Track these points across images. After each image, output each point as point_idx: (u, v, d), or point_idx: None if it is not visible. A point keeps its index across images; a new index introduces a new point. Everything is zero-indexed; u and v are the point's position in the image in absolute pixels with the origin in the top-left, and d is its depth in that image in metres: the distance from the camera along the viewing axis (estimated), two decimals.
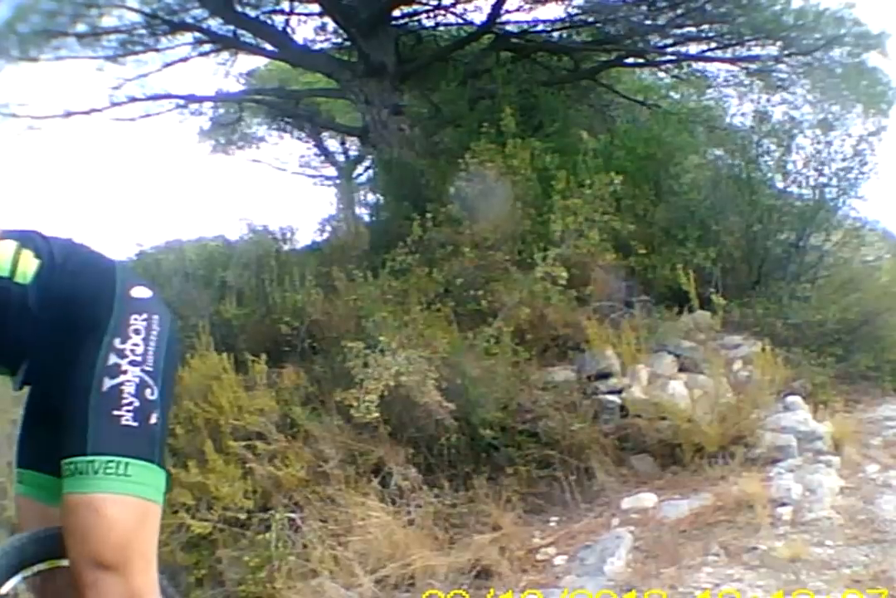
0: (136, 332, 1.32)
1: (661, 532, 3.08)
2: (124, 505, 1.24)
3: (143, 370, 1.30)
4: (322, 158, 10.81)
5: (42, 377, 1.38)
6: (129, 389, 1.28)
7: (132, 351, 1.30)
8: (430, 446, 3.59)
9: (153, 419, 1.29)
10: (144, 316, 1.34)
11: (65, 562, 1.34)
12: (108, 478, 1.23)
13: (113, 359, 1.28)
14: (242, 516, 3.27)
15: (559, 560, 3.09)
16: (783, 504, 3.09)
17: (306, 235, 6.43)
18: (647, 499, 3.38)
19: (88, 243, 1.47)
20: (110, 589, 1.21)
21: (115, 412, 1.26)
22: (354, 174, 10.10)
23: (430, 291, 4.13)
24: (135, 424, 1.27)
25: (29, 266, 1.32)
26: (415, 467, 3.49)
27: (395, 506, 3.31)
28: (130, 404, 1.27)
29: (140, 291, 1.38)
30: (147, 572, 1.28)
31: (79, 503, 1.23)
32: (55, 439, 1.31)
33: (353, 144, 9.92)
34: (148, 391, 1.29)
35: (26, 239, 1.36)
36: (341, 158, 10.75)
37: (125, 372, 1.28)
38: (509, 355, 3.80)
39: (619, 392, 3.90)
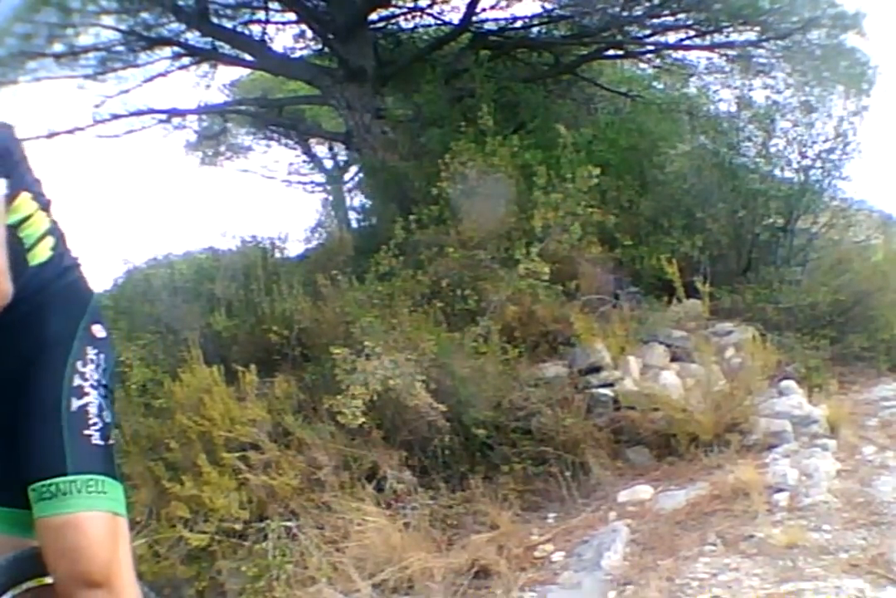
0: (92, 361, 1.39)
1: (657, 524, 3.07)
2: (105, 522, 1.27)
3: (100, 394, 1.36)
4: (311, 164, 10.82)
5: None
6: (93, 409, 1.33)
7: (91, 376, 1.36)
8: (423, 448, 3.59)
9: (111, 439, 1.35)
10: (97, 351, 1.41)
11: (49, 580, 1.35)
12: (90, 496, 1.26)
13: (77, 380, 1.34)
14: (239, 526, 3.27)
15: (557, 557, 3.08)
16: (779, 490, 3.07)
17: (297, 243, 6.45)
18: (644, 491, 3.37)
19: (85, 268, 1.54)
20: None
21: (86, 432, 1.31)
22: (343, 179, 10.11)
23: (417, 293, 4.12)
24: (101, 442, 1.32)
25: (43, 253, 1.40)
26: (409, 469, 3.49)
27: (390, 510, 3.31)
28: (96, 424, 1.32)
29: (98, 330, 1.45)
30: (133, 584, 1.33)
31: (63, 523, 1.24)
32: (12, 466, 1.30)
33: (341, 150, 9.92)
34: (106, 413, 1.35)
35: (55, 228, 1.45)
36: (330, 164, 10.76)
37: (88, 394, 1.34)
38: (498, 354, 3.80)
39: (611, 385, 3.89)
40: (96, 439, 1.31)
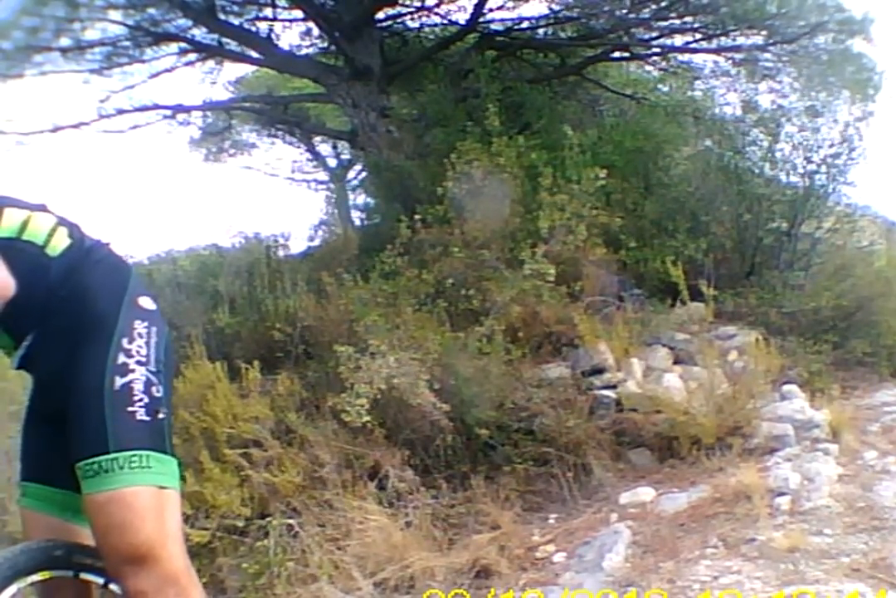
0: (140, 335, 1.39)
1: (659, 526, 3.07)
2: (151, 496, 1.30)
3: (147, 370, 1.36)
4: (314, 162, 10.83)
5: (44, 363, 1.41)
6: (138, 386, 1.34)
7: (138, 352, 1.36)
8: (426, 447, 3.59)
9: (161, 414, 1.36)
10: (146, 324, 1.41)
11: (60, 573, 1.37)
12: (134, 472, 1.28)
13: (122, 358, 1.35)
14: (240, 523, 3.26)
15: (558, 557, 3.07)
16: (781, 494, 3.07)
17: (300, 240, 6.47)
18: (645, 493, 3.37)
19: (113, 246, 1.56)
20: (150, 577, 1.27)
21: (130, 409, 1.32)
22: (347, 178, 10.13)
23: (421, 292, 4.12)
24: (147, 418, 1.33)
25: (61, 242, 1.42)
26: (411, 468, 3.48)
27: (392, 508, 3.30)
28: (141, 400, 1.33)
29: (146, 302, 1.45)
30: (181, 556, 1.34)
31: (107, 500, 1.27)
32: (61, 448, 1.34)
33: (345, 148, 9.94)
34: (154, 389, 1.36)
35: (64, 220, 1.47)
36: (333, 162, 10.78)
37: (133, 371, 1.34)
38: (502, 354, 3.80)
39: (613, 387, 3.89)
40: (141, 416, 1.32)
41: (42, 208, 1.47)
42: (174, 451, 1.38)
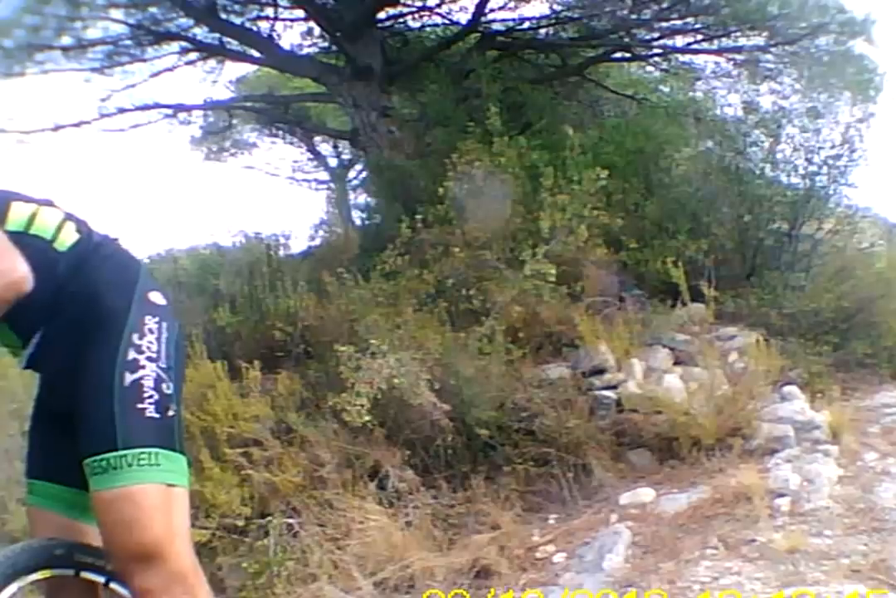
0: (151, 331, 1.38)
1: (659, 527, 3.07)
2: (159, 493, 1.29)
3: (158, 367, 1.35)
4: (315, 162, 10.83)
5: (52, 360, 1.40)
6: (148, 383, 1.33)
7: (148, 348, 1.35)
8: (426, 447, 3.59)
9: (171, 411, 1.34)
10: (157, 319, 1.40)
11: (61, 572, 1.37)
12: (142, 469, 1.27)
13: (132, 354, 1.34)
14: (241, 522, 3.26)
15: (558, 558, 3.07)
16: (781, 495, 3.07)
17: (301, 240, 6.47)
18: (646, 494, 3.37)
19: (122, 242, 1.56)
20: (157, 575, 1.27)
21: (139, 405, 1.31)
22: (348, 177, 10.13)
23: (422, 292, 4.12)
24: (157, 415, 1.32)
25: (69, 237, 1.42)
26: (412, 468, 3.49)
27: (392, 508, 3.30)
28: (151, 397, 1.32)
29: (157, 297, 1.44)
30: (188, 553, 1.33)
31: (116, 497, 1.27)
32: (68, 446, 1.34)
33: (346, 148, 9.94)
34: (164, 386, 1.35)
35: (72, 215, 1.47)
36: (334, 162, 10.78)
37: (143, 367, 1.33)
38: (502, 354, 3.80)
39: (614, 387, 3.89)
40: (150, 413, 1.31)
41: (49, 203, 1.47)
42: (184, 448, 1.37)
